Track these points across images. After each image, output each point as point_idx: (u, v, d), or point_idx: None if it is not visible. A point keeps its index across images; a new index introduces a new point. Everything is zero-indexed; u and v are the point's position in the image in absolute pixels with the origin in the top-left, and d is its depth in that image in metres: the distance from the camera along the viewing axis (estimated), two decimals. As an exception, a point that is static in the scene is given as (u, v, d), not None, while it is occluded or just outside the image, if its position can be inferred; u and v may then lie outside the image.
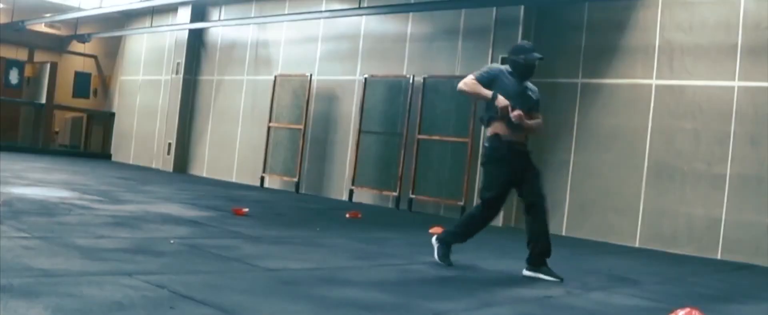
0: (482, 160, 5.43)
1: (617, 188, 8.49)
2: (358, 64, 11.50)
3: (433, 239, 5.43)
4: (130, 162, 15.96)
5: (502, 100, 5.05)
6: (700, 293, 5.28)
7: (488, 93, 5.13)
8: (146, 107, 15.83)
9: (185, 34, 14.52)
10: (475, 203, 9.41)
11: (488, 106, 5.25)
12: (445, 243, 5.37)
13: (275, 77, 12.39)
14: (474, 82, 5.18)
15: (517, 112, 5.04)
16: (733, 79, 7.76)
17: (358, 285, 4.25)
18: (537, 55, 5.27)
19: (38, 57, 18.20)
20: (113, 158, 16.66)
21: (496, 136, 5.22)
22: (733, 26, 7.80)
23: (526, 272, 5.22)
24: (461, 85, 5.21)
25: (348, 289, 4.08)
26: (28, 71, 17.34)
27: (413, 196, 10.12)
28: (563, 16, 9.20)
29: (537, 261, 5.19)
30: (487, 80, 5.20)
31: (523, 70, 5.27)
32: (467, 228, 5.38)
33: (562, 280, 5.07)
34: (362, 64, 11.43)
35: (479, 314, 3.88)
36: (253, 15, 13.43)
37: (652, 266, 6.68)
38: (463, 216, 5.52)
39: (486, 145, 5.33)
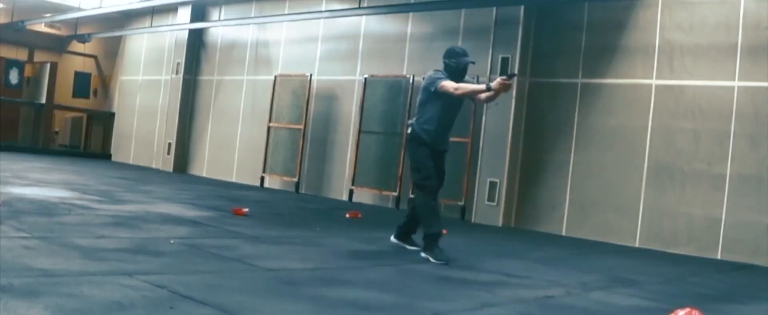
0: (407, 146, 6.05)
1: (617, 188, 8.49)
2: (358, 64, 11.50)
3: (422, 254, 5.60)
4: (130, 162, 15.96)
5: (497, 83, 5.38)
6: (700, 293, 5.28)
7: (481, 86, 5.65)
8: (146, 107, 15.83)
9: (185, 34, 14.52)
10: (475, 201, 9.43)
11: (420, 114, 5.78)
12: (430, 245, 5.57)
13: (275, 77, 12.39)
14: (453, 83, 5.60)
15: (500, 79, 5.41)
16: (733, 79, 7.75)
17: (358, 285, 4.25)
18: (468, 59, 5.75)
19: (38, 57, 18.20)
20: (113, 158, 16.66)
21: (417, 131, 5.78)
22: (733, 26, 7.80)
23: (420, 249, 5.68)
24: (456, 91, 5.58)
25: (348, 289, 4.08)
26: (28, 71, 17.34)
27: (413, 196, 10.09)
28: (563, 16, 9.20)
29: (425, 242, 5.65)
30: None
31: (454, 72, 5.73)
32: (429, 218, 5.65)
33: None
34: (362, 64, 11.43)
35: (479, 314, 3.88)
36: (253, 15, 13.43)
37: (652, 266, 6.67)
38: (419, 216, 5.81)
39: (408, 132, 5.89)
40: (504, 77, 5.36)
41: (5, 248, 4.15)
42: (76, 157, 16.18)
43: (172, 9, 14.80)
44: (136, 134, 16.09)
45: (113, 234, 5.30)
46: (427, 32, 10.69)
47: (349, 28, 11.65)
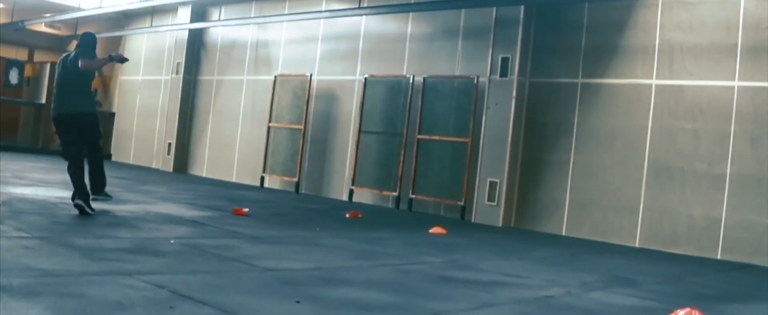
0: (96, 120, 6.98)
1: (617, 188, 8.49)
2: (358, 64, 11.49)
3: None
4: (130, 162, 15.96)
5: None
6: (700, 293, 5.29)
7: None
8: (146, 107, 15.83)
9: (185, 34, 14.52)
10: (475, 201, 9.42)
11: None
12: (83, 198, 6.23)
13: (275, 77, 12.39)
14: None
15: None
16: (733, 79, 7.76)
17: (358, 285, 4.25)
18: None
19: (38, 57, 18.19)
20: (113, 158, 16.65)
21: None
22: (733, 26, 7.80)
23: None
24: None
25: (348, 289, 4.08)
26: (28, 71, 17.32)
27: (413, 196, 10.11)
28: (563, 16, 9.20)
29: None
30: None
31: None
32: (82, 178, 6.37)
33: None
34: (362, 64, 11.43)
35: (479, 314, 3.88)
36: (253, 15, 13.43)
37: (652, 266, 6.67)
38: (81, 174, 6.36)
39: (95, 111, 7.00)
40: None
41: (5, 248, 4.15)
42: (76, 157, 16.13)
43: (172, 9, 14.80)
44: (136, 134, 16.09)
45: (113, 234, 5.30)
46: (427, 32, 10.69)
47: (349, 28, 11.65)
